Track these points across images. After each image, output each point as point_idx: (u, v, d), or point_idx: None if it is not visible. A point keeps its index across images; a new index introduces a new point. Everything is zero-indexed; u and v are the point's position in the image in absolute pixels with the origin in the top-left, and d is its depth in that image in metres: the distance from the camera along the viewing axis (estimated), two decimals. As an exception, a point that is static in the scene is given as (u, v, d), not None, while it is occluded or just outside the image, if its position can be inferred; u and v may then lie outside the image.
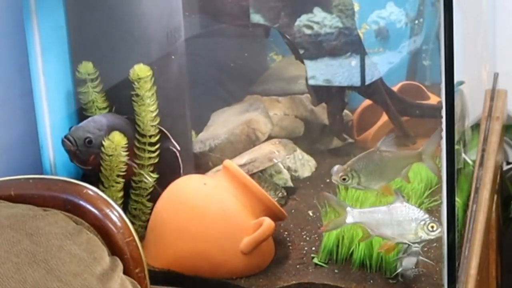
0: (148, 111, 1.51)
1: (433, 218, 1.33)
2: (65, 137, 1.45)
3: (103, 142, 1.46)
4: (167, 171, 1.56)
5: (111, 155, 1.47)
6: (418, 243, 1.34)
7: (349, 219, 1.37)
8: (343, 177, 1.40)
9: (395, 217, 1.34)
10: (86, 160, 1.48)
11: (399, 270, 1.35)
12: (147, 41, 1.59)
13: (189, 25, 1.71)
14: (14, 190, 1.16)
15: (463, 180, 1.53)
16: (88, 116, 1.52)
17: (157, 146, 1.53)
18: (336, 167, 1.42)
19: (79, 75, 1.52)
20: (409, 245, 1.34)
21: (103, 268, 1.02)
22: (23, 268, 0.94)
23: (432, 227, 1.31)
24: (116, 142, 1.46)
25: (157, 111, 1.52)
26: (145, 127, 1.52)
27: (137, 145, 1.53)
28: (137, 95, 1.50)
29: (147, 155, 1.53)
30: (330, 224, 1.42)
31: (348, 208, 1.37)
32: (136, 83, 1.49)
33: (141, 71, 1.48)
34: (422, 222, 1.32)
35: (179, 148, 1.58)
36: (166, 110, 1.55)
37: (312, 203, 1.66)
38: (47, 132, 1.49)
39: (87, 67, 1.52)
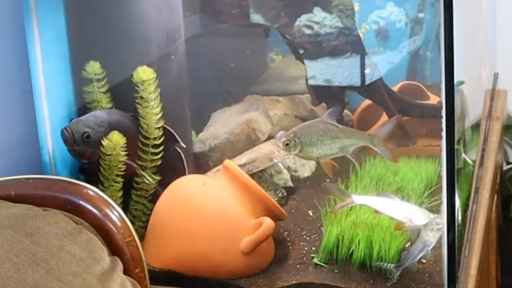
0: (152, 113, 1.51)
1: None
2: (65, 128, 1.46)
3: (102, 141, 1.46)
4: (173, 171, 1.56)
5: (110, 155, 1.47)
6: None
7: (357, 201, 1.42)
8: (286, 142, 1.40)
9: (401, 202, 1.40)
10: (83, 154, 1.48)
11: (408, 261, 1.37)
12: (147, 41, 1.59)
13: (189, 25, 1.71)
14: (14, 190, 1.15)
15: (463, 180, 1.53)
16: None
17: (160, 149, 1.53)
18: (280, 133, 1.42)
19: (85, 74, 1.52)
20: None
21: (103, 268, 1.02)
22: (23, 268, 0.94)
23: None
24: (115, 141, 1.46)
25: (161, 113, 1.52)
26: (149, 129, 1.52)
27: (141, 146, 1.53)
28: (141, 97, 1.50)
29: (150, 157, 1.53)
30: (340, 204, 1.44)
31: (353, 195, 1.42)
32: (140, 85, 1.49)
33: (144, 73, 1.48)
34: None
35: (185, 146, 1.58)
36: (166, 110, 1.55)
37: (312, 203, 1.66)
38: (47, 132, 1.49)
39: (94, 67, 1.52)
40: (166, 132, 1.54)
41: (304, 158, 1.45)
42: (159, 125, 1.52)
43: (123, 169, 1.49)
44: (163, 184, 1.53)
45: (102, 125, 1.48)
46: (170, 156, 1.56)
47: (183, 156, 1.58)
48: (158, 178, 1.55)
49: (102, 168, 1.48)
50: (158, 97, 1.50)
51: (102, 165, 1.48)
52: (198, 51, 1.85)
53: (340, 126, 1.42)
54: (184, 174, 1.57)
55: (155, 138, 1.53)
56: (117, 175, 1.49)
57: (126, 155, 1.49)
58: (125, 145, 1.47)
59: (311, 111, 1.94)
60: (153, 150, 1.53)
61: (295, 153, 1.42)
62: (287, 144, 1.40)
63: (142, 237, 1.51)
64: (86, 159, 1.49)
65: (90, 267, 1.00)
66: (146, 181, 1.54)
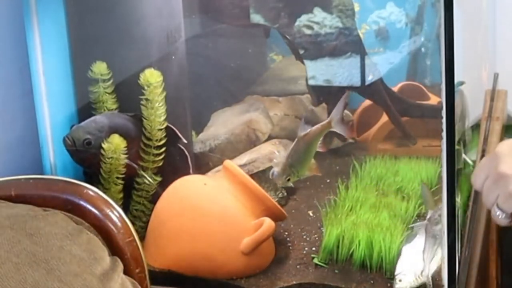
0: (157, 115, 1.51)
1: None
2: (66, 136, 1.46)
3: (103, 145, 1.46)
4: (177, 169, 1.56)
5: (110, 158, 1.47)
6: None
7: None
8: (288, 177, 1.46)
9: None
10: (85, 160, 1.48)
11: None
12: (148, 41, 1.59)
13: (189, 25, 1.72)
14: (15, 190, 1.15)
15: (463, 180, 1.53)
16: (96, 115, 1.53)
17: (162, 150, 1.53)
18: (274, 172, 1.48)
19: (91, 74, 1.52)
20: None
21: (103, 268, 1.02)
22: (23, 268, 0.94)
23: None
24: (115, 145, 1.46)
25: (165, 115, 1.52)
26: (152, 131, 1.52)
27: (143, 147, 1.53)
28: (147, 100, 1.50)
29: (152, 158, 1.53)
30: None
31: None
32: (146, 87, 1.49)
33: (152, 76, 1.48)
34: None
35: (186, 141, 1.58)
36: (167, 110, 1.55)
37: (312, 203, 1.66)
38: (47, 132, 1.49)
39: (100, 67, 1.52)
40: (168, 130, 1.54)
41: (300, 177, 1.50)
42: (162, 127, 1.52)
43: (123, 172, 1.49)
44: (167, 182, 1.53)
45: (103, 130, 1.48)
46: (174, 154, 1.56)
47: (187, 153, 1.58)
48: (159, 179, 1.55)
49: (102, 171, 1.48)
50: (164, 100, 1.51)
51: (103, 168, 1.48)
52: (198, 51, 1.85)
53: (309, 130, 1.47)
54: (189, 171, 1.57)
55: (157, 140, 1.53)
56: (118, 178, 1.49)
57: (127, 156, 1.49)
58: (125, 148, 1.47)
59: (311, 112, 1.94)
60: (155, 152, 1.53)
61: (295, 180, 1.48)
62: (289, 179, 1.46)
63: (142, 238, 1.51)
64: (88, 164, 1.49)
65: (91, 267, 1.00)
66: (147, 182, 1.54)
